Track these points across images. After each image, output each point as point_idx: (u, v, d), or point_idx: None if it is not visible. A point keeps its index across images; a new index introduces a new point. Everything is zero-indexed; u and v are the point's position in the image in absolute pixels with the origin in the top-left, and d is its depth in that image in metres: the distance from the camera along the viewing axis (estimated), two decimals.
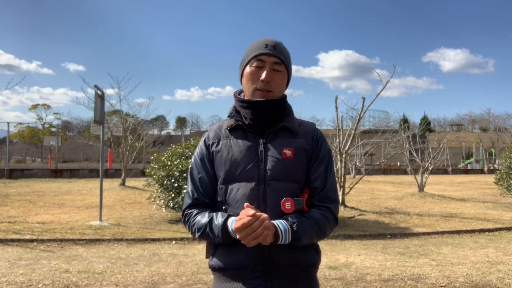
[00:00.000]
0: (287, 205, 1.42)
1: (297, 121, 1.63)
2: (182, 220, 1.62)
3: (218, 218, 1.46)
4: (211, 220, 1.48)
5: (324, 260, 5.65)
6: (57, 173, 21.71)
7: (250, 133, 1.56)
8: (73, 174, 22.19)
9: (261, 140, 1.55)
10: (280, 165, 1.51)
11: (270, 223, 1.37)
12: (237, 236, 1.35)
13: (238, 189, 1.50)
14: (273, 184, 1.49)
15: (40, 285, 4.48)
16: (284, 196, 1.47)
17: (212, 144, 1.60)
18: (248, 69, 1.57)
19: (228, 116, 1.63)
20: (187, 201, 1.60)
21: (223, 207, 1.53)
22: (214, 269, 1.55)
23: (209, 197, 1.58)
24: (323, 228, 1.50)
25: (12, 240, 6.78)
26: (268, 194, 1.49)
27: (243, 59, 1.61)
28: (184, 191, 8.11)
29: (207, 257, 1.58)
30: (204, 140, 1.64)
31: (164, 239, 7.02)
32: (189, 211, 1.58)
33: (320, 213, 1.51)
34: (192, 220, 1.54)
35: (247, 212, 1.34)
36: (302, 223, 1.43)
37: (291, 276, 1.48)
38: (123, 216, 9.37)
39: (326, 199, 1.54)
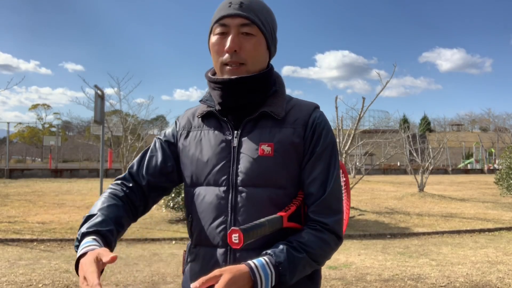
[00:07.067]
0: (234, 237, 1.00)
1: (291, 103, 1.25)
2: None
3: (87, 224, 1.12)
4: (90, 217, 1.14)
5: None
6: (57, 173, 21.72)
7: (224, 122, 1.22)
8: (73, 174, 22.20)
9: (236, 132, 1.20)
10: (255, 166, 1.15)
11: (242, 266, 1.00)
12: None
13: (205, 196, 1.19)
14: (246, 191, 1.15)
15: (40, 285, 4.48)
16: (260, 206, 1.14)
17: (181, 135, 1.29)
18: (212, 38, 1.22)
19: (200, 101, 1.29)
20: (124, 173, 1.34)
21: (189, 215, 1.25)
22: None
23: (146, 181, 1.28)
24: (319, 258, 1.14)
25: (12, 240, 6.78)
26: (239, 204, 1.15)
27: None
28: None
29: (182, 272, 1.32)
30: (175, 130, 1.33)
31: (164, 239, 7.02)
32: (113, 183, 1.30)
33: (316, 236, 1.12)
34: (100, 198, 1.23)
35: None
36: (291, 261, 1.05)
37: None
38: None
39: (324, 211, 1.15)
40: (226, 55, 1.17)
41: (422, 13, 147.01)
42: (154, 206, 7.72)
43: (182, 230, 7.68)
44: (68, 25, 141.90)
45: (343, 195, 1.34)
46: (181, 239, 7.08)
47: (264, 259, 1.03)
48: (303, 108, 1.23)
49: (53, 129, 52.88)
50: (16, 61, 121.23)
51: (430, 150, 17.29)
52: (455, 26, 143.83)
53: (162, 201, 8.48)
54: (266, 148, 1.16)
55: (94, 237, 1.09)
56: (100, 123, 9.24)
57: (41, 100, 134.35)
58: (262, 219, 1.08)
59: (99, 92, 8.90)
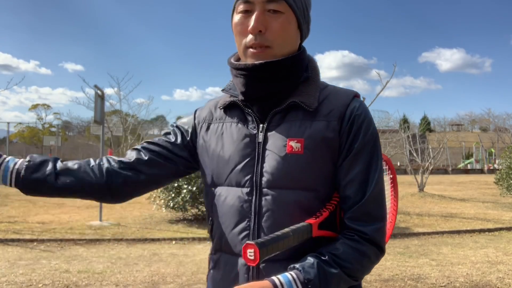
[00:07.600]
0: (249, 253, 0.87)
1: (326, 91, 1.07)
2: None
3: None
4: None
5: None
6: None
7: (248, 114, 1.07)
8: None
9: (262, 125, 1.05)
10: (282, 165, 1.00)
11: (266, 283, 0.86)
12: None
13: (226, 197, 1.05)
14: (272, 193, 1.00)
15: (40, 285, 4.48)
16: (287, 211, 0.99)
17: (201, 128, 1.14)
18: (235, 18, 1.05)
19: (223, 90, 1.14)
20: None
21: (210, 218, 1.11)
22: None
23: (139, 170, 1.15)
24: (357, 274, 0.96)
25: (12, 240, 6.78)
26: (263, 208, 1.00)
27: None
28: (184, 191, 8.11)
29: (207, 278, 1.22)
30: (192, 122, 1.17)
31: (164, 239, 7.02)
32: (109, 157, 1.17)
33: (353, 247, 0.96)
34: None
35: None
36: (322, 278, 0.89)
37: None
38: (123, 216, 9.37)
39: (363, 218, 0.98)
40: (250, 37, 1.01)
41: (421, 13, 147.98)
42: (154, 206, 7.67)
43: (182, 230, 7.68)
44: (68, 25, 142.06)
45: (389, 196, 1.17)
46: (181, 239, 7.08)
47: (291, 274, 0.89)
48: (340, 97, 1.05)
49: (53, 129, 52.99)
50: (16, 61, 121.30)
51: (430, 150, 17.33)
52: (455, 26, 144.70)
53: (162, 201, 8.48)
54: (295, 145, 1.00)
55: (23, 159, 1.08)
56: (100, 123, 9.23)
57: (41, 100, 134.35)
58: (286, 229, 0.93)
59: (99, 92, 8.90)
